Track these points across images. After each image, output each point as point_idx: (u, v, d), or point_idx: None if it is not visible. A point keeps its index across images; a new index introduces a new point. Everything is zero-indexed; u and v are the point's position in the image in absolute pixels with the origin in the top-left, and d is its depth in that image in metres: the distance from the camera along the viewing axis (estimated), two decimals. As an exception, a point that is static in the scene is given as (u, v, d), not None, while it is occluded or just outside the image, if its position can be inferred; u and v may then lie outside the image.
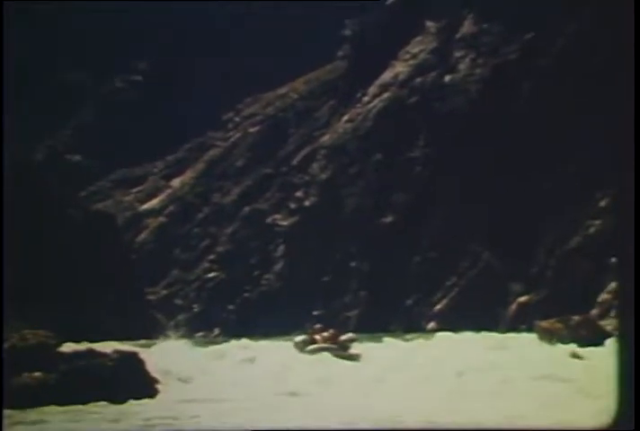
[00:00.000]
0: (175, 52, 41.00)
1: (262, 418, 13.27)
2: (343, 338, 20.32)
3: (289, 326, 29.73)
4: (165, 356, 20.17)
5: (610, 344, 18.78)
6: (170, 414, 14.67)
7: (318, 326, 21.30)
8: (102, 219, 32.92)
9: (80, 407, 15.80)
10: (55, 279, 27.81)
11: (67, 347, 18.06)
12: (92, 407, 15.92)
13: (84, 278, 29.32)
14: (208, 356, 21.07)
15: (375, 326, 30.26)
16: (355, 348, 20.30)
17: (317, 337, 20.29)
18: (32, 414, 15.16)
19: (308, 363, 18.77)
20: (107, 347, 18.57)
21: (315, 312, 33.75)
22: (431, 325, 30.79)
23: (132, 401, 16.30)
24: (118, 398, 16.33)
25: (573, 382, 13.87)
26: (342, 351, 19.68)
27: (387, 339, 22.18)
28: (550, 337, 20.82)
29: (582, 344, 19.76)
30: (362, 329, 28.66)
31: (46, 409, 15.77)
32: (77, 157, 36.38)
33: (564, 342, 20.21)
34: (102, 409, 15.77)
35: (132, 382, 17.00)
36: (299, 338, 20.60)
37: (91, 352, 17.58)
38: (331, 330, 20.75)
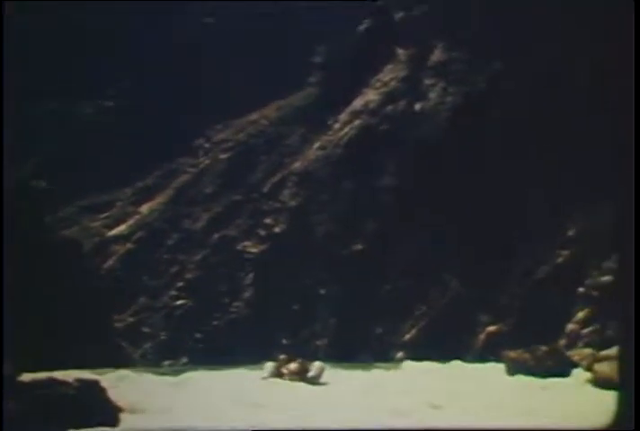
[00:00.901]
0: (145, 78, 40.90)
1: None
2: (311, 374, 20.20)
3: (259, 354, 29.48)
4: (130, 384, 20.00)
5: (577, 375, 18.78)
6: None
7: (283, 357, 21.15)
8: (68, 245, 32.65)
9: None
10: (18, 306, 27.48)
11: (28, 377, 17.83)
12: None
13: (49, 305, 29.00)
14: (173, 385, 20.90)
15: (344, 355, 30.13)
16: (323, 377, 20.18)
17: (284, 370, 20.16)
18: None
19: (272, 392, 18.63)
20: (70, 376, 18.36)
21: (284, 341, 33.54)
22: (400, 355, 30.68)
23: (96, 429, 16.09)
24: (79, 427, 16.10)
25: (538, 412, 13.78)
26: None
27: (355, 369, 22.09)
28: (517, 367, 20.79)
29: (549, 374, 19.76)
30: (331, 358, 28.53)
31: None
32: (43, 183, 36.07)
33: (531, 372, 20.19)
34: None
35: (94, 411, 16.78)
36: (266, 370, 20.44)
37: (51, 381, 17.36)
38: (298, 361, 20.62)
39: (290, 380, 19.43)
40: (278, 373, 19.73)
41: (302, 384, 19.28)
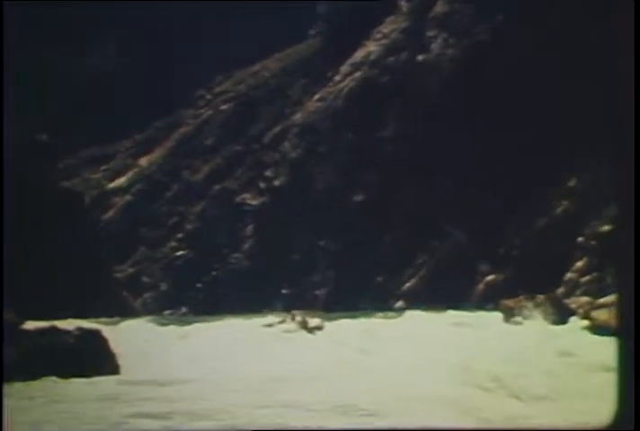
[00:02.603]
0: (146, 30, 40.67)
1: (235, 398, 13.12)
2: (311, 325, 20.41)
3: (258, 304, 29.73)
4: (131, 333, 20.12)
5: (574, 321, 18.96)
6: (134, 393, 14.58)
7: (292, 311, 21.40)
8: (69, 197, 32.73)
9: (37, 383, 15.70)
10: (20, 257, 27.62)
11: (30, 325, 17.94)
12: (51, 382, 15.82)
13: (51, 256, 29.14)
14: (174, 334, 21.03)
15: (343, 304, 30.33)
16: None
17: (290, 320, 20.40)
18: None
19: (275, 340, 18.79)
20: (71, 324, 18.47)
21: (283, 291, 33.75)
22: (399, 304, 30.88)
23: (94, 378, 16.21)
24: (79, 375, 16.24)
25: (532, 357, 13.93)
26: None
27: (357, 317, 22.25)
28: (515, 315, 20.96)
29: (547, 322, 19.92)
30: (331, 308, 28.75)
31: (7, 385, 15.66)
32: (44, 136, 36.05)
33: (528, 320, 20.36)
34: (63, 384, 15.67)
35: (94, 359, 16.92)
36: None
37: (53, 329, 17.48)
38: (298, 313, 20.84)
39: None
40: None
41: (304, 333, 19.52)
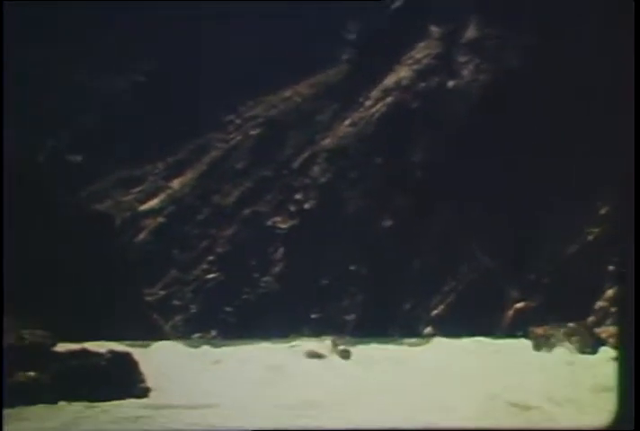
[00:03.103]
0: (178, 53, 41.01)
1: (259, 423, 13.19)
2: (340, 348, 20.47)
3: (287, 328, 29.76)
4: (161, 357, 20.22)
5: (604, 351, 18.86)
6: (162, 417, 14.65)
7: (322, 337, 21.48)
8: (101, 219, 32.97)
9: (71, 406, 15.83)
10: (53, 279, 27.84)
11: (62, 347, 18.11)
12: (83, 406, 15.94)
13: (83, 278, 29.34)
14: (204, 358, 21.11)
15: (372, 330, 30.30)
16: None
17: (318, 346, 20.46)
18: (26, 412, 15.19)
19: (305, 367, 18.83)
20: (102, 347, 18.61)
21: (312, 316, 33.76)
22: (428, 330, 30.82)
23: (123, 401, 16.32)
24: (110, 398, 16.37)
25: (564, 389, 13.89)
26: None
27: (385, 343, 22.24)
28: (545, 343, 20.88)
29: (577, 351, 19.83)
30: (359, 333, 28.73)
31: (38, 407, 15.81)
32: (78, 157, 36.37)
33: (558, 348, 20.28)
34: (92, 408, 15.79)
35: (125, 382, 17.04)
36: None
37: (85, 352, 17.65)
38: (328, 339, 20.89)
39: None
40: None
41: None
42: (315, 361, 19.44)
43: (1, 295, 20.02)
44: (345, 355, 19.97)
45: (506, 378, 15.65)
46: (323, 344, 20.16)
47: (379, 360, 19.54)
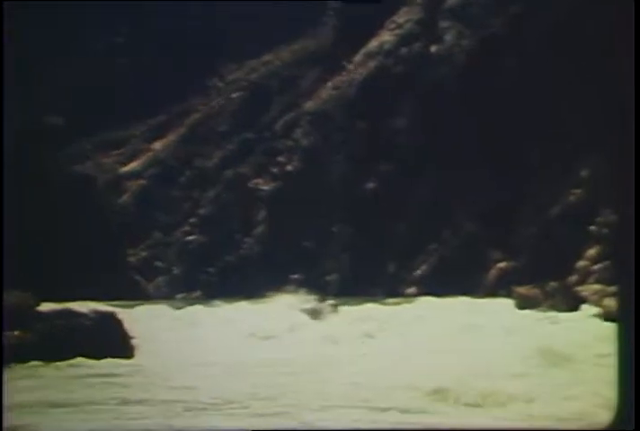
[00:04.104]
0: (160, 16, 40.71)
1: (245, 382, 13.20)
2: (330, 302, 20.58)
3: (270, 289, 29.81)
4: (144, 316, 20.25)
5: (586, 309, 19.06)
6: (146, 377, 14.68)
7: (300, 292, 21.49)
8: (82, 181, 32.87)
9: (58, 363, 15.86)
10: (35, 240, 27.79)
11: (46, 307, 18.11)
12: (68, 365, 15.97)
13: (65, 240, 29.30)
14: (186, 318, 21.15)
15: (355, 291, 30.43)
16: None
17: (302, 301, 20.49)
18: (10, 373, 15.18)
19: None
20: (86, 307, 18.61)
21: (295, 276, 33.87)
22: (411, 290, 30.98)
23: (108, 360, 16.35)
24: (95, 357, 16.39)
25: (546, 344, 14.02)
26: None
27: (368, 303, 22.36)
28: (527, 302, 21.06)
29: (558, 309, 20.02)
30: (342, 294, 28.85)
31: (23, 367, 15.82)
32: (57, 119, 36.12)
33: (540, 307, 20.46)
34: (78, 366, 15.82)
35: (110, 341, 17.06)
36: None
37: (69, 311, 17.65)
38: (314, 296, 20.96)
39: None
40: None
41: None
42: (299, 318, 19.52)
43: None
44: (334, 309, 20.06)
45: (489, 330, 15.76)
46: (309, 300, 20.24)
47: (361, 318, 19.64)
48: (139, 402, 11.85)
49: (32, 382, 14.30)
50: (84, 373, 15.31)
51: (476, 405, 10.12)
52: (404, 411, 10.05)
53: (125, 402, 11.96)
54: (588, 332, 15.80)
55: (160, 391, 12.86)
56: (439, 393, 10.50)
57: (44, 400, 12.13)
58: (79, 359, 16.45)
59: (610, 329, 15.16)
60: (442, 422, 9.70)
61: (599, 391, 9.83)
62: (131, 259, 35.09)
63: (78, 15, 40.12)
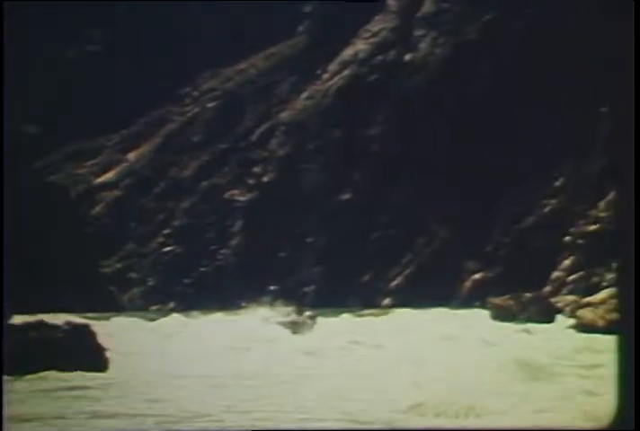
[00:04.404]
0: (133, 23, 40.59)
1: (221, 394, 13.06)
2: (307, 314, 20.40)
3: (245, 300, 29.70)
4: (119, 329, 20.08)
5: (561, 320, 19.07)
6: (120, 390, 14.51)
7: (276, 303, 21.34)
8: (55, 192, 32.64)
9: (29, 376, 15.66)
10: (8, 252, 27.49)
11: (18, 319, 17.90)
12: (39, 378, 15.78)
13: (38, 251, 29.06)
14: (161, 330, 21.00)
15: (331, 301, 30.36)
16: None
17: (279, 312, 20.33)
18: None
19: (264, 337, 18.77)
20: (59, 319, 18.40)
21: (271, 287, 33.77)
22: (387, 301, 30.96)
23: (81, 373, 16.16)
24: (68, 369, 16.20)
25: (521, 357, 13.98)
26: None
27: (343, 314, 22.26)
28: (502, 313, 21.05)
29: (533, 320, 20.03)
30: (319, 305, 28.76)
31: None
32: (31, 128, 35.91)
33: (515, 319, 20.46)
34: (50, 379, 15.63)
35: (82, 354, 16.87)
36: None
37: (42, 323, 17.42)
38: (291, 307, 20.80)
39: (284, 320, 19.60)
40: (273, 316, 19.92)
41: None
42: (274, 331, 19.40)
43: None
44: (312, 321, 19.92)
45: (465, 342, 15.73)
46: (286, 312, 20.10)
47: (337, 330, 19.57)
48: (111, 416, 11.71)
49: (4, 396, 14.10)
50: (55, 387, 15.12)
51: (456, 417, 10.07)
52: (386, 423, 10.01)
53: (97, 416, 11.80)
54: (564, 343, 15.80)
55: (133, 405, 12.70)
56: (417, 407, 10.45)
57: (14, 415, 11.96)
58: (51, 372, 16.25)
59: (585, 340, 15.17)
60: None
61: (578, 402, 9.80)
62: (105, 270, 34.88)
63: (53, 24, 39.93)
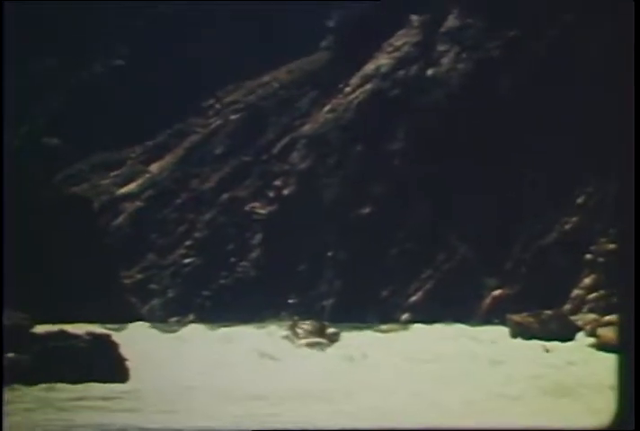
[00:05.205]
0: (157, 37, 40.85)
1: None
2: (330, 331, 20.39)
3: (264, 313, 29.82)
4: (139, 339, 20.18)
5: (580, 338, 19.06)
6: (139, 402, 14.60)
7: (296, 318, 21.31)
8: (78, 203, 32.82)
9: (50, 388, 15.78)
10: (31, 262, 27.72)
11: (41, 329, 18.03)
12: (62, 389, 15.89)
13: (60, 261, 29.23)
14: (181, 341, 21.08)
15: (349, 316, 30.38)
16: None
17: (300, 330, 20.29)
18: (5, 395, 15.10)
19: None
20: (81, 329, 18.53)
21: (290, 301, 33.82)
22: (405, 316, 30.94)
23: (102, 384, 16.26)
24: (89, 380, 16.32)
25: (542, 375, 14.02)
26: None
27: (363, 329, 22.27)
28: (522, 330, 21.04)
29: (553, 338, 20.00)
30: (337, 319, 28.79)
31: (17, 389, 15.75)
32: (55, 141, 36.17)
33: (535, 336, 20.45)
34: (72, 390, 15.74)
35: (105, 364, 16.98)
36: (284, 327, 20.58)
37: (63, 333, 17.56)
38: (309, 322, 20.80)
39: (316, 338, 19.56)
40: (294, 333, 19.86)
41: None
42: (293, 347, 19.42)
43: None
44: (334, 338, 19.91)
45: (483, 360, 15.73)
46: (308, 327, 20.09)
47: (355, 346, 19.59)
48: (130, 426, 11.82)
49: (26, 404, 14.24)
50: (76, 397, 15.24)
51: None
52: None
53: (115, 426, 11.92)
54: (584, 362, 15.79)
55: (151, 416, 12.83)
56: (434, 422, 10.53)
57: (39, 423, 12.09)
58: (73, 381, 16.37)
59: (606, 359, 15.15)
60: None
61: (596, 421, 9.84)
62: (126, 281, 35.01)
63: (79, 36, 40.25)
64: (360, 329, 23.19)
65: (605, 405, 10.97)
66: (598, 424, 6.19)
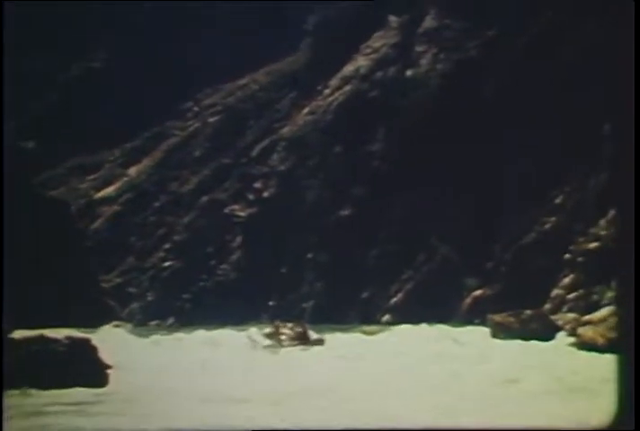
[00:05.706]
0: (135, 39, 40.73)
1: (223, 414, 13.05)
2: (314, 337, 20.36)
3: (245, 316, 29.71)
4: (118, 344, 20.10)
5: (561, 338, 19.10)
6: (118, 406, 14.52)
7: (278, 322, 21.28)
8: (56, 206, 32.64)
9: (29, 393, 15.66)
10: (7, 266, 27.48)
11: (19, 334, 17.91)
12: (40, 393, 15.77)
13: (38, 266, 29.05)
14: (160, 344, 21.01)
15: (331, 318, 30.36)
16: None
17: (284, 333, 20.24)
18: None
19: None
20: (60, 333, 18.41)
21: (270, 303, 33.76)
22: (387, 318, 30.94)
23: (82, 389, 16.17)
24: (68, 384, 16.20)
25: (522, 375, 14.01)
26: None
27: (343, 331, 22.25)
28: (502, 330, 21.07)
29: (533, 338, 20.05)
30: (318, 321, 28.78)
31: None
32: (31, 144, 35.99)
33: (515, 336, 20.48)
34: (51, 395, 15.63)
35: (84, 368, 16.87)
36: (266, 331, 20.51)
37: (42, 338, 17.44)
38: (290, 325, 20.74)
39: (289, 345, 19.50)
40: (277, 335, 19.79)
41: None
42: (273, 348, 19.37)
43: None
44: (318, 344, 19.86)
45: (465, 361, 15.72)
46: (281, 330, 20.05)
47: (336, 346, 19.56)
48: (110, 430, 11.74)
49: (5, 410, 14.10)
50: (55, 401, 15.13)
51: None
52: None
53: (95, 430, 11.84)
54: (564, 361, 15.80)
55: (131, 419, 12.76)
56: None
57: (18, 428, 11.98)
58: (52, 385, 16.26)
59: (586, 359, 15.15)
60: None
61: (578, 421, 9.82)
62: (105, 285, 34.86)
63: (55, 40, 40.07)
64: (342, 330, 23.17)
65: (587, 403, 10.95)
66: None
